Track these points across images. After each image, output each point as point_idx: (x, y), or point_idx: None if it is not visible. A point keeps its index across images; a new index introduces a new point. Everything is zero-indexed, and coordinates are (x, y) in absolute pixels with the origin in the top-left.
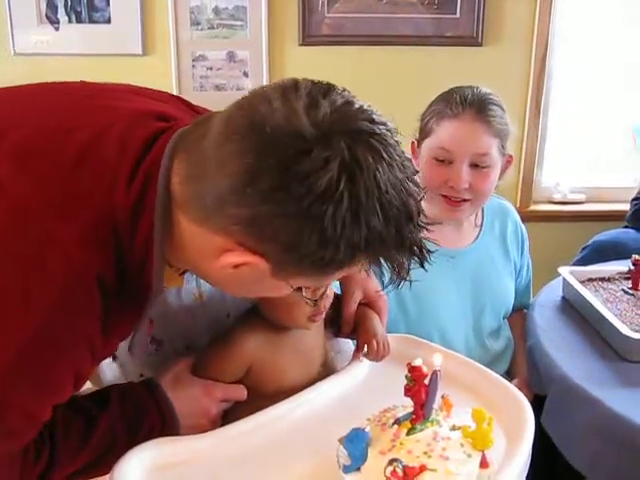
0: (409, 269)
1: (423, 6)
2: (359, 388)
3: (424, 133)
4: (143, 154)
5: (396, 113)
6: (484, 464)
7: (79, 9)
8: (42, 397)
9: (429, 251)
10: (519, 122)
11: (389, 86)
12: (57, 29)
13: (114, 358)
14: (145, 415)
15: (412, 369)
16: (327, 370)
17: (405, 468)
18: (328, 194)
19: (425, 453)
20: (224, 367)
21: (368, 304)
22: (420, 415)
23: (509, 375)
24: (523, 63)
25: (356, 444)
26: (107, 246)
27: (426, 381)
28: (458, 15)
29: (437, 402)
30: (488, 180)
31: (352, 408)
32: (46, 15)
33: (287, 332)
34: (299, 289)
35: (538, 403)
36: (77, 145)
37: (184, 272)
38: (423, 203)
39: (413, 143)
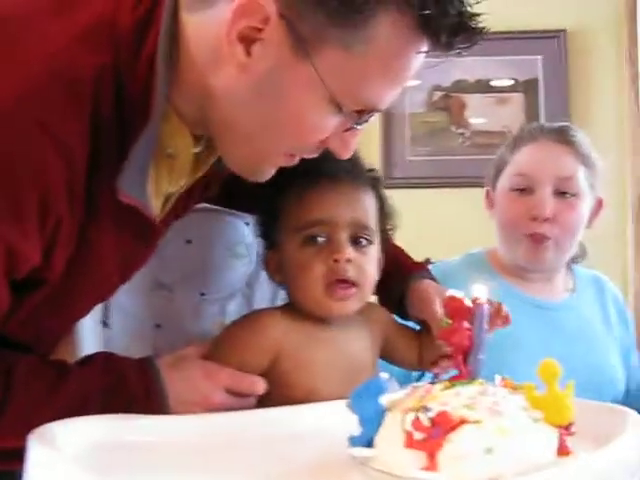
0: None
1: None
2: None
3: (498, 169)
4: None
5: None
6: (562, 449)
7: None
8: None
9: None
10: (621, 271)
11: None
12: None
13: (104, 324)
14: (126, 386)
15: (447, 302)
16: None
17: (435, 417)
18: None
19: (466, 406)
20: (242, 350)
21: None
22: (464, 371)
23: None
24: (617, 203)
25: (367, 400)
26: (108, 49)
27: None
28: None
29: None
30: (575, 212)
31: None
32: None
33: (326, 328)
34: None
35: None
36: None
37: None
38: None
39: (487, 192)
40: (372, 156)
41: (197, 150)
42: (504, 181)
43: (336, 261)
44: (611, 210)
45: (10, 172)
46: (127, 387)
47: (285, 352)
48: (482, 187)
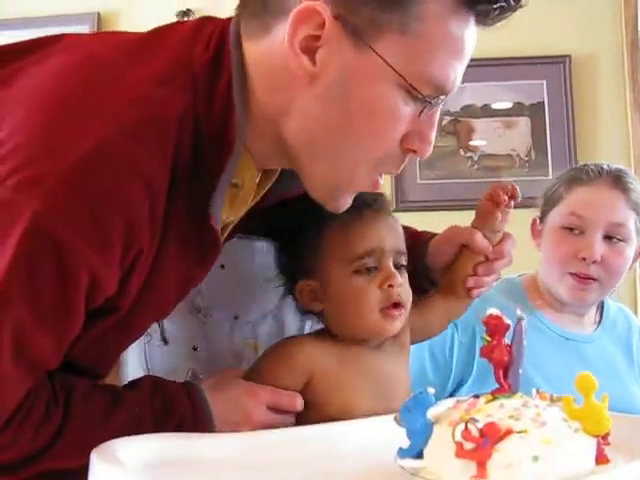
0: None
1: (515, 169)
2: None
3: (551, 203)
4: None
5: None
6: (601, 457)
7: None
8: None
9: None
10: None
11: None
12: None
13: (165, 341)
14: (175, 409)
15: (488, 320)
16: None
17: (484, 428)
18: None
19: (511, 417)
20: (277, 374)
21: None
22: (505, 385)
23: None
24: None
25: (416, 414)
26: (187, 89)
27: (508, 339)
28: (550, 177)
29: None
30: (622, 257)
31: None
32: None
33: (360, 350)
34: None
35: None
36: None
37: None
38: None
39: (534, 221)
40: (384, 181)
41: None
42: (555, 217)
43: (391, 286)
44: None
45: (101, 204)
46: (176, 411)
47: (319, 374)
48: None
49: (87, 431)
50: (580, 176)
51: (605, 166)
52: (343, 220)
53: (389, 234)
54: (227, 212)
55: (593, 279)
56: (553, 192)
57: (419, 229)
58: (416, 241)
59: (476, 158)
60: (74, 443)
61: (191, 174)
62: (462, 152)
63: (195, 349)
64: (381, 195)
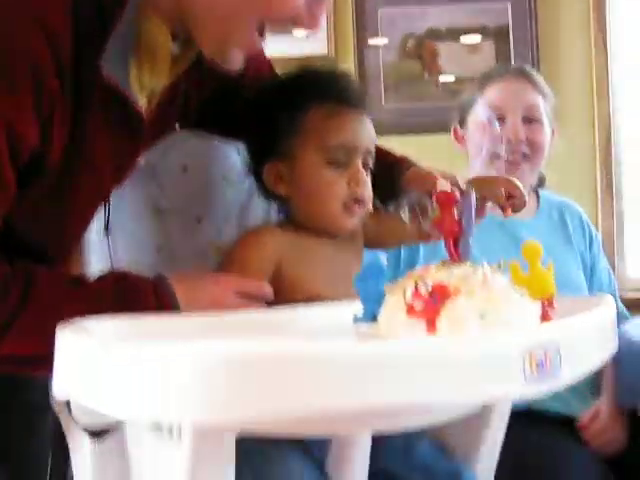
0: None
1: None
2: None
3: (468, 107)
4: None
5: None
6: (545, 316)
7: None
8: None
9: None
10: (591, 210)
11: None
12: None
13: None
14: (138, 295)
15: (437, 195)
16: None
17: (433, 287)
18: None
19: (460, 279)
20: (245, 264)
21: None
22: (455, 255)
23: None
24: (587, 145)
25: (368, 281)
26: None
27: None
28: None
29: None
30: (542, 134)
31: None
32: None
33: (320, 240)
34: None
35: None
36: None
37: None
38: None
39: (455, 129)
40: None
41: (175, 50)
42: (475, 116)
43: (357, 184)
44: (581, 147)
45: (2, 50)
46: (139, 296)
47: (286, 262)
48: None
49: (46, 312)
50: (490, 76)
51: (508, 65)
52: (326, 108)
53: (364, 133)
54: (147, 78)
55: (522, 157)
56: (466, 98)
57: None
58: (393, 165)
59: (441, 82)
60: (32, 325)
61: (96, 32)
62: (426, 76)
63: (159, 250)
64: (364, 94)
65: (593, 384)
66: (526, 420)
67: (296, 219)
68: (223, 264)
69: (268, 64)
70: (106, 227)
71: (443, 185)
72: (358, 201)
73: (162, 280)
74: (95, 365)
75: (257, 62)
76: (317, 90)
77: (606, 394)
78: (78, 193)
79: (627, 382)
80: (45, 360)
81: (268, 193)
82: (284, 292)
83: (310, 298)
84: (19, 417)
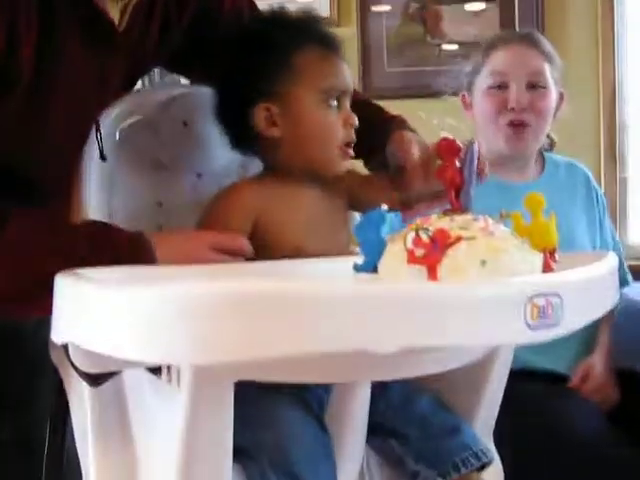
0: None
1: None
2: None
3: (474, 72)
4: None
5: None
6: (547, 267)
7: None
8: None
9: None
10: (594, 177)
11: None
12: None
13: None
14: (112, 243)
15: (440, 143)
16: None
17: (434, 234)
18: None
19: (461, 228)
20: (224, 219)
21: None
22: (456, 205)
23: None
24: (592, 111)
25: (369, 229)
26: None
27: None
28: None
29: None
30: (547, 99)
31: None
32: None
33: (303, 188)
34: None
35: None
36: None
37: None
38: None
39: (463, 95)
40: (351, 69)
41: None
42: (481, 82)
43: (351, 127)
44: (586, 110)
45: None
46: (113, 244)
47: (265, 215)
48: (457, 96)
49: (20, 245)
50: (495, 42)
51: (514, 31)
52: (316, 51)
53: (349, 77)
54: None
55: (525, 124)
56: (473, 64)
57: None
58: (381, 125)
59: (444, 46)
60: (6, 259)
61: None
62: (429, 39)
63: (160, 205)
64: (340, 41)
65: (585, 341)
66: (522, 378)
67: (283, 165)
68: (201, 222)
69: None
70: (101, 154)
71: (445, 133)
72: (350, 144)
73: (139, 235)
74: (94, 308)
75: None
76: (304, 32)
77: (599, 352)
78: (59, 110)
79: (625, 343)
80: (19, 302)
81: (247, 139)
82: (266, 247)
83: (293, 250)
84: (21, 365)
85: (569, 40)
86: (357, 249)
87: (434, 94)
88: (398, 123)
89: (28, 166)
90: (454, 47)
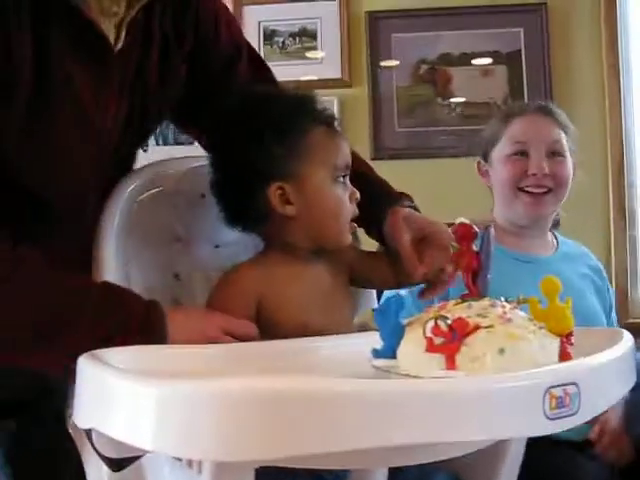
0: None
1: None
2: None
3: (491, 142)
4: None
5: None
6: (564, 355)
7: (166, 132)
8: None
9: None
10: (604, 235)
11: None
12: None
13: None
14: (126, 303)
15: (456, 228)
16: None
17: (453, 323)
18: None
19: (479, 315)
20: (227, 302)
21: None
22: (473, 290)
23: None
24: (600, 167)
25: (388, 315)
26: None
27: (476, 248)
28: None
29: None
30: (566, 167)
31: None
32: None
33: (304, 267)
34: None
35: None
36: None
37: None
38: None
39: (479, 163)
40: (362, 129)
41: None
42: (499, 151)
43: (355, 202)
44: (594, 170)
45: None
46: (127, 304)
47: (269, 295)
48: (466, 157)
49: (29, 290)
50: (512, 112)
51: (529, 102)
52: (323, 130)
53: (349, 154)
54: (108, 3)
55: (546, 190)
56: (490, 132)
57: (397, 177)
58: (379, 202)
59: (454, 106)
60: (6, 308)
61: None
62: (440, 100)
63: (177, 277)
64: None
65: None
66: (540, 445)
67: (291, 241)
68: (208, 303)
69: (238, 29)
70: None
71: (462, 218)
72: (353, 219)
73: (154, 303)
74: (119, 400)
75: (230, 26)
76: (312, 112)
77: (613, 408)
78: (63, 126)
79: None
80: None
81: (253, 217)
82: (272, 325)
83: (299, 327)
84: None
85: (576, 99)
86: (358, 322)
87: (444, 154)
88: (398, 200)
89: (41, 184)
90: (464, 108)
